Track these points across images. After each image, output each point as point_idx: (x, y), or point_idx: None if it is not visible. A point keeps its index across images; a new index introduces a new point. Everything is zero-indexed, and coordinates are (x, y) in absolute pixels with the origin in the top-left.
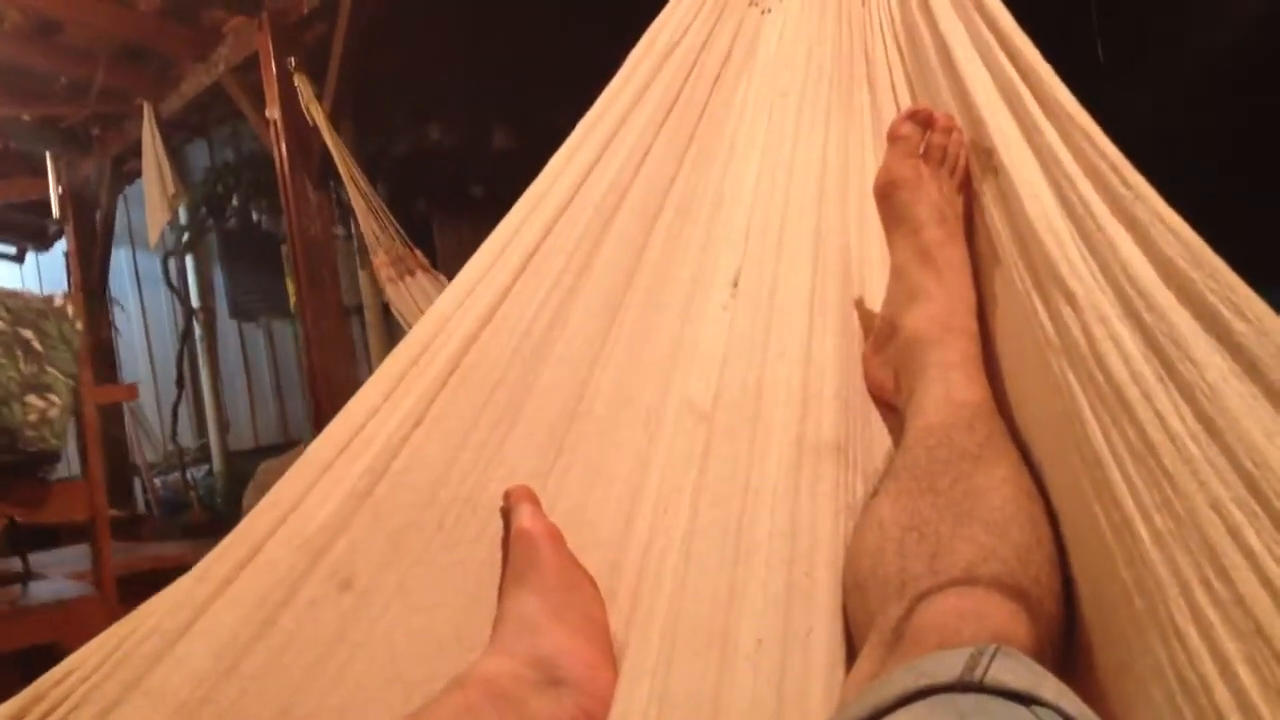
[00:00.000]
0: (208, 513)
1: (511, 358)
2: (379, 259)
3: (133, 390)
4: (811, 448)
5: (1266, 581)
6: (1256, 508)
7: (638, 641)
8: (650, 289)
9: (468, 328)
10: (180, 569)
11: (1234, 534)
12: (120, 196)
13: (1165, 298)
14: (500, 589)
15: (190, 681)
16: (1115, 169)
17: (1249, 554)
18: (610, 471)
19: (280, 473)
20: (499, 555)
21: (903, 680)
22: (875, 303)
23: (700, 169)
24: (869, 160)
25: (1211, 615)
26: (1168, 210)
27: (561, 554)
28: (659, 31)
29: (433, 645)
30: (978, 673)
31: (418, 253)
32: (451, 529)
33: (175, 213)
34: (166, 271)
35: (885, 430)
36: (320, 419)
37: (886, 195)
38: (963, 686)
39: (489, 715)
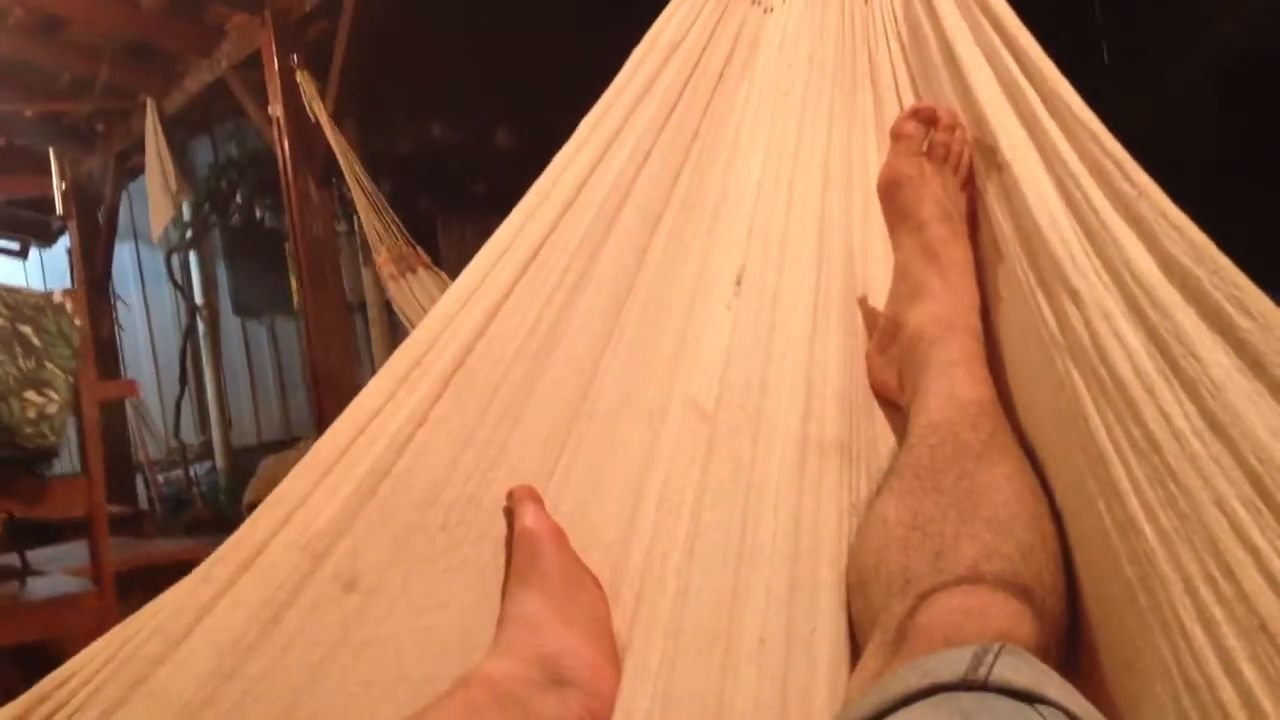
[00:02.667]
0: (210, 509)
1: (515, 357)
2: (381, 256)
3: (133, 386)
4: (815, 446)
5: (1271, 578)
6: (1261, 505)
7: (641, 641)
8: (653, 288)
9: (471, 327)
10: (180, 565)
11: (1238, 531)
12: (124, 192)
13: (1169, 295)
14: (504, 589)
15: (194, 683)
16: (1119, 166)
17: (1253, 551)
18: (613, 471)
19: (283, 468)
20: (503, 555)
21: (907, 679)
22: (879, 301)
23: (703, 168)
24: (872, 158)
25: (1216, 612)
26: (1172, 207)
27: (565, 554)
28: (661, 30)
29: (436, 645)
30: (982, 671)
31: (420, 250)
32: (455, 529)
33: (178, 209)
34: (170, 268)
35: (889, 428)
36: (322, 415)
37: (890, 193)
38: (967, 685)
39: (493, 715)
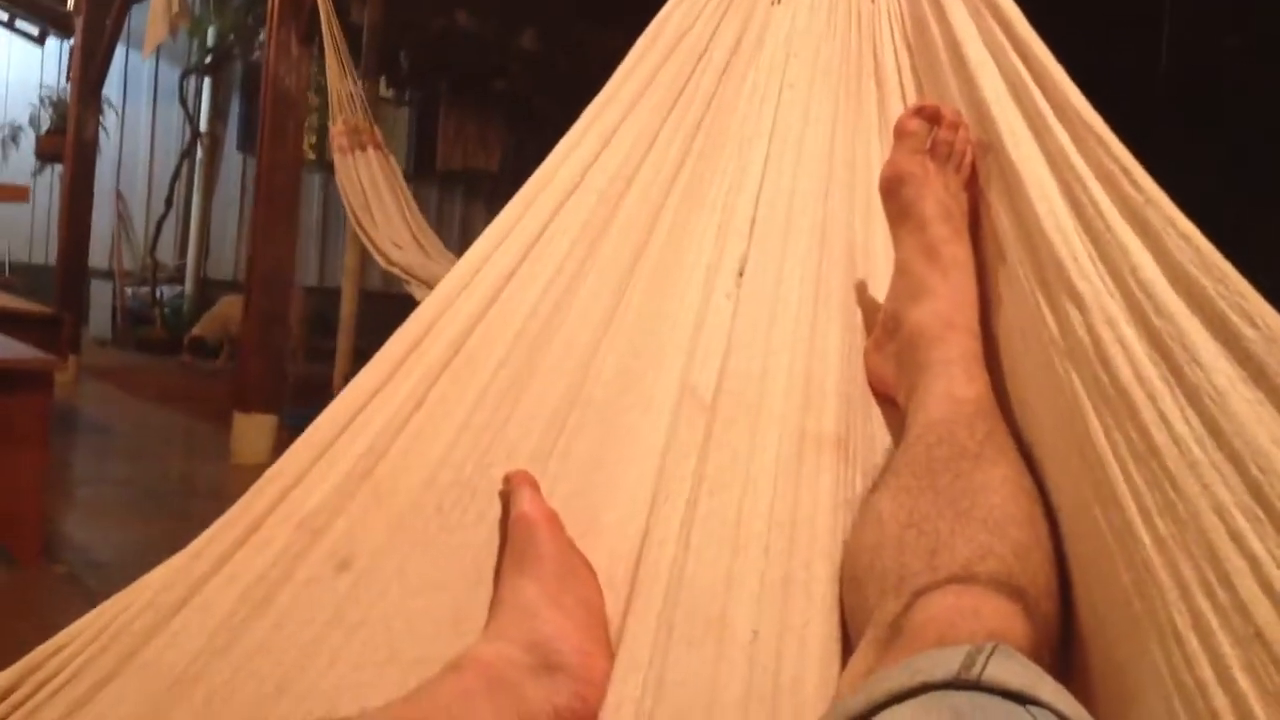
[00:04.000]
0: (167, 332)
1: (514, 342)
2: (337, 126)
3: (23, 192)
4: (813, 440)
5: (1268, 587)
6: (1260, 513)
7: (634, 629)
8: (654, 276)
9: (471, 310)
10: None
11: (1236, 539)
12: (145, 3)
13: (1174, 302)
14: (498, 573)
15: (185, 657)
16: (1126, 172)
17: (1251, 559)
18: (611, 458)
19: (238, 310)
20: (498, 539)
21: (899, 677)
22: (879, 297)
23: (707, 158)
24: (875, 155)
25: (1211, 620)
26: (1179, 215)
27: (560, 540)
28: (667, 19)
29: (430, 627)
30: (974, 671)
31: (376, 130)
32: (451, 512)
33: (174, 34)
34: (183, 89)
35: (886, 426)
36: (255, 267)
37: (892, 190)
38: (959, 684)
39: (484, 699)
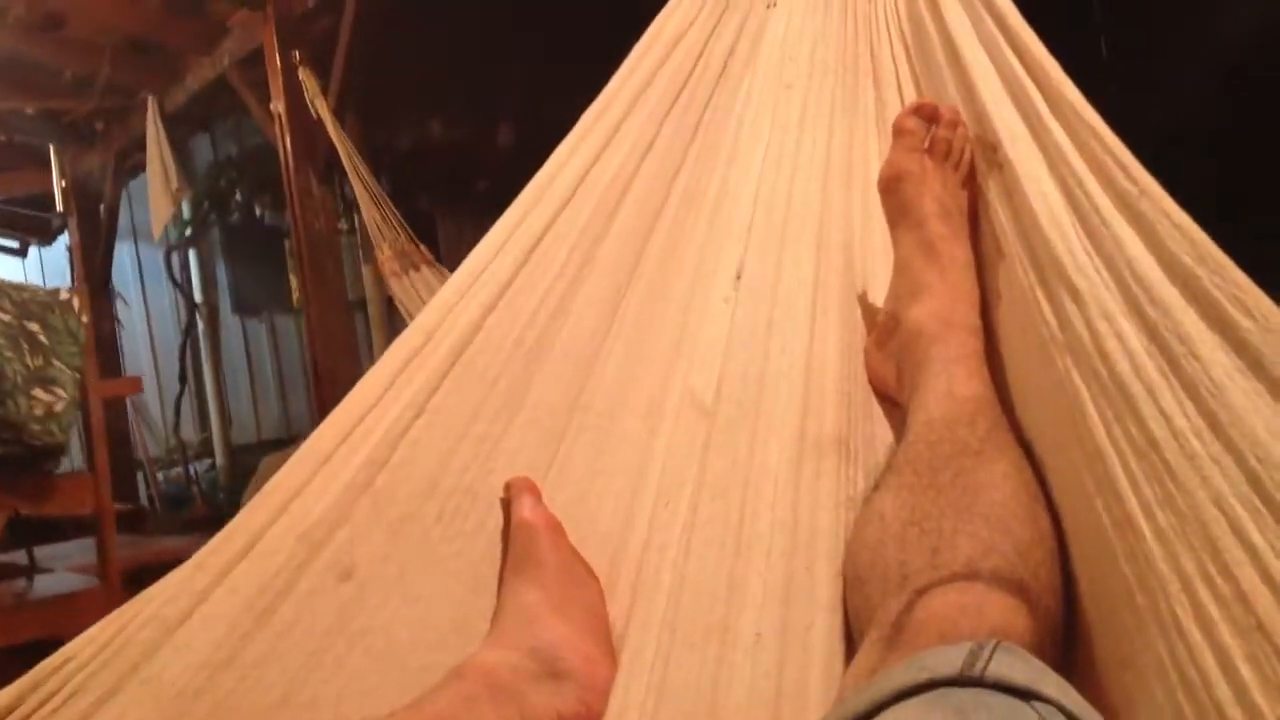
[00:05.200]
0: (209, 506)
1: (513, 349)
2: (384, 254)
3: (137, 383)
4: (813, 441)
5: (1268, 578)
6: (1259, 504)
7: (637, 634)
8: (653, 281)
9: (470, 318)
10: (181, 561)
11: (1236, 530)
12: (124, 191)
13: (1170, 294)
14: (500, 580)
15: (189, 670)
16: (1121, 166)
17: (1251, 550)
18: (611, 464)
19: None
20: (499, 546)
21: (902, 674)
22: (878, 297)
23: (704, 162)
24: (873, 155)
25: (1213, 611)
26: (1174, 207)
27: (562, 546)
28: (664, 24)
29: (432, 636)
30: (978, 667)
31: (422, 247)
32: (451, 520)
33: (179, 206)
34: (169, 266)
35: (887, 425)
36: (324, 414)
37: (890, 189)
38: (963, 681)
39: (487, 706)
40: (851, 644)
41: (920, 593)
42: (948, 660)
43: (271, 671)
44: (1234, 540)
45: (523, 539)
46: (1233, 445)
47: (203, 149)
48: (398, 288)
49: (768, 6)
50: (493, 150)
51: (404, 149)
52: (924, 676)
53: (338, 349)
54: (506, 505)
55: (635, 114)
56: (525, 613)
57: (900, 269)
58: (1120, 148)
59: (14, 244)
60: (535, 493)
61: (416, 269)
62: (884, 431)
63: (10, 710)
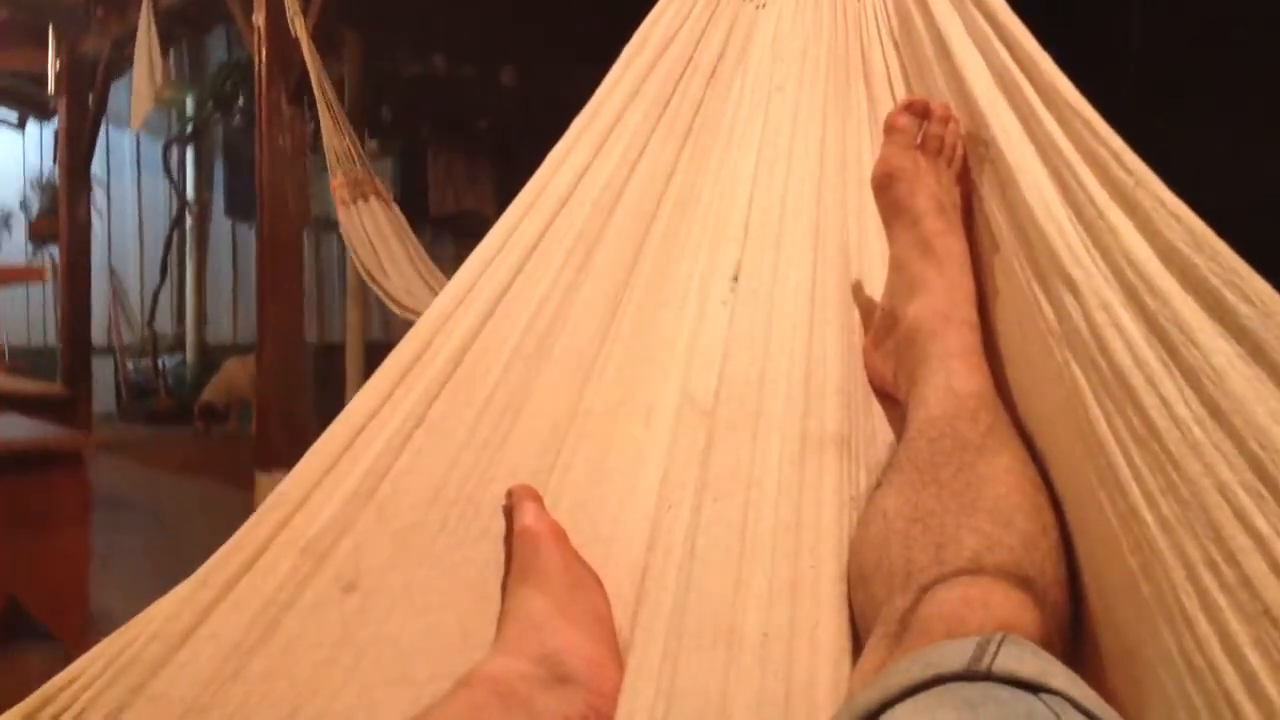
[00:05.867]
0: (173, 400)
1: (512, 356)
2: (337, 179)
3: (40, 272)
4: (814, 441)
5: (1274, 564)
6: (1263, 490)
7: (643, 638)
8: (649, 285)
9: (467, 326)
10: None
11: (1241, 517)
12: (124, 80)
13: (1168, 283)
14: (504, 588)
15: (195, 686)
16: (1115, 155)
17: (1256, 537)
18: (613, 468)
19: (244, 372)
20: (503, 554)
21: (910, 670)
22: (875, 295)
23: (697, 164)
24: (866, 152)
25: (1219, 599)
26: (1169, 195)
27: (565, 551)
28: (653, 27)
29: (438, 645)
30: (985, 661)
31: (376, 179)
32: (455, 528)
33: (161, 102)
34: (167, 160)
35: (887, 422)
36: (265, 327)
37: (884, 187)
38: (970, 675)
39: (496, 714)
40: (858, 642)
41: (926, 589)
42: (955, 655)
43: (279, 685)
44: (1238, 527)
45: (526, 546)
46: (1235, 432)
47: (217, 48)
48: (344, 216)
49: (757, 8)
50: (495, 90)
51: (406, 77)
52: (931, 672)
53: (284, 267)
54: (509, 513)
55: (626, 119)
56: (531, 620)
57: (896, 266)
58: (1114, 137)
59: (12, 118)
60: (537, 499)
61: (365, 199)
62: (885, 429)
63: None
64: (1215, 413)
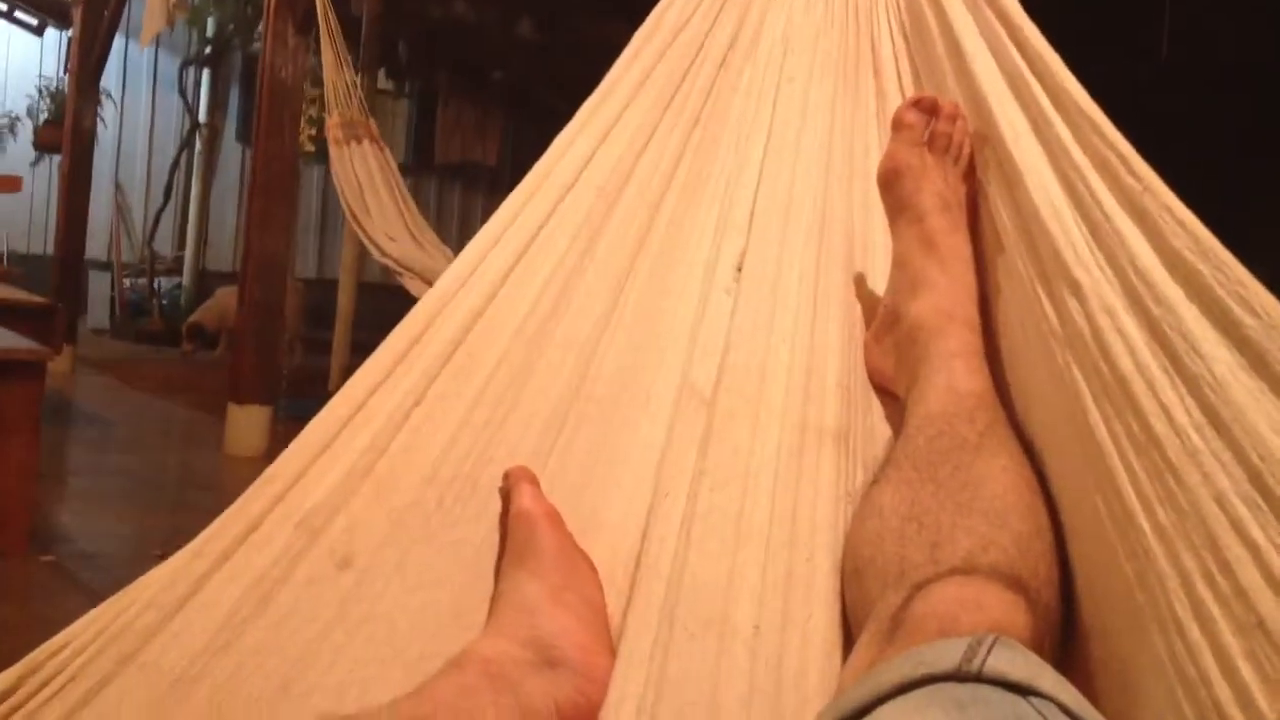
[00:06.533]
0: (165, 322)
1: (513, 338)
2: (333, 118)
3: (17, 183)
4: (813, 434)
5: (1270, 576)
6: (1261, 502)
7: (636, 625)
8: (653, 272)
9: (470, 307)
10: None
11: (1237, 527)
12: None
13: (1172, 290)
14: (498, 570)
15: (186, 657)
16: (1124, 160)
17: (1252, 548)
18: (611, 454)
19: (234, 302)
20: (498, 536)
21: (901, 668)
22: (878, 290)
23: (705, 153)
24: (873, 147)
25: (1213, 609)
26: (1176, 203)
27: (561, 536)
28: (664, 13)
29: (431, 624)
30: (976, 662)
31: (372, 122)
32: (451, 508)
33: (172, 24)
34: (182, 80)
35: (886, 418)
36: (250, 258)
37: (890, 183)
38: (960, 676)
39: (486, 696)
40: (850, 637)
41: (919, 587)
42: (946, 655)
43: (270, 659)
44: (1235, 537)
45: (522, 529)
46: (1234, 442)
47: None
48: (336, 156)
49: None
50: (512, 41)
51: (428, 21)
52: (922, 671)
53: (276, 197)
54: (506, 495)
55: (636, 104)
56: (524, 603)
57: (900, 263)
58: (1123, 142)
59: (33, 22)
60: (535, 482)
61: (359, 141)
62: (883, 425)
63: (6, 695)
64: (1215, 422)
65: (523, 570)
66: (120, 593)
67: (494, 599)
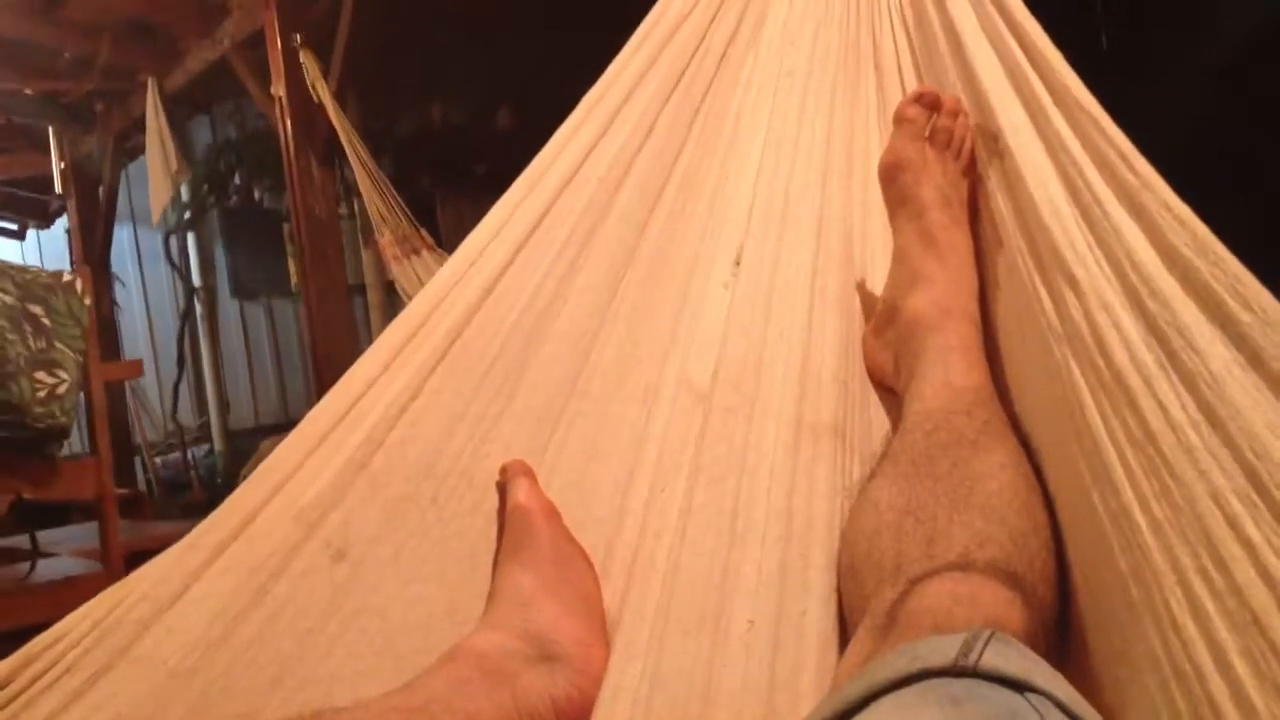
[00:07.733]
0: (207, 491)
1: (511, 332)
2: (385, 238)
3: (138, 366)
4: (810, 429)
5: (1264, 573)
6: (1256, 499)
7: (631, 619)
8: (651, 266)
9: (468, 300)
10: None
11: (1233, 524)
12: (123, 173)
13: (1170, 286)
14: (494, 563)
15: (181, 649)
16: (1123, 157)
17: (1247, 545)
18: (607, 448)
19: None
20: (494, 529)
21: (896, 663)
22: (877, 285)
23: (705, 146)
24: (874, 142)
25: (1208, 605)
26: (1175, 199)
27: (557, 530)
28: (666, 7)
29: (425, 617)
30: (971, 658)
31: (423, 231)
32: (447, 502)
33: (178, 190)
34: (168, 249)
35: (884, 413)
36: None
37: (891, 177)
38: (956, 671)
39: (481, 689)
40: (846, 632)
41: (915, 582)
42: (941, 650)
43: (265, 651)
44: (1230, 534)
45: (518, 523)
46: (1230, 439)
47: (202, 131)
48: (399, 272)
49: None
50: (492, 133)
51: (404, 132)
52: (917, 666)
53: (337, 333)
54: (502, 488)
55: (636, 98)
56: (519, 596)
57: (899, 257)
58: (1122, 139)
59: (13, 226)
60: (531, 476)
61: (418, 253)
62: (881, 420)
63: (1, 687)
64: (1211, 418)
65: (518, 564)
66: (116, 585)
67: (490, 593)
